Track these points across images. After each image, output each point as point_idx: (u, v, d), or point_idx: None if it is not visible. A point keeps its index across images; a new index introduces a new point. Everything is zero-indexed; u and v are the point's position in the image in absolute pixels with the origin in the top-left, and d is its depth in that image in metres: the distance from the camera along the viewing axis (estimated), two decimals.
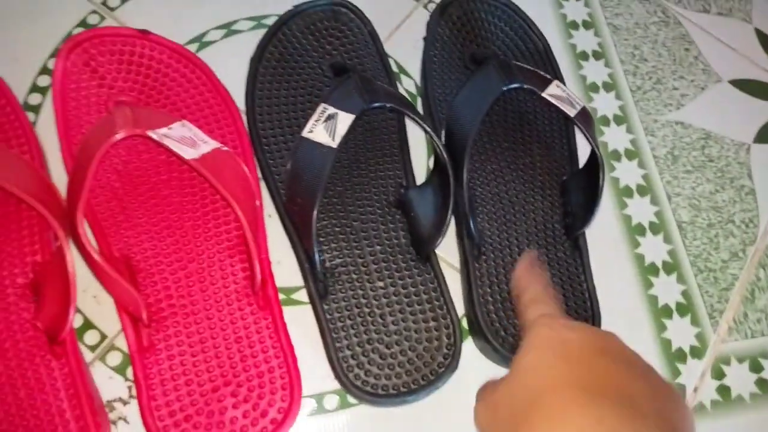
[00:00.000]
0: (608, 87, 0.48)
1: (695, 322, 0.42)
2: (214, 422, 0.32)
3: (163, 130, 0.33)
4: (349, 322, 0.35)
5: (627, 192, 0.45)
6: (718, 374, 0.41)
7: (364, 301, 0.36)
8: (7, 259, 0.34)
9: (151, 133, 0.33)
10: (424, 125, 0.36)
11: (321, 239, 0.37)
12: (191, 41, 0.44)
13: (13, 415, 0.31)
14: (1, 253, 0.34)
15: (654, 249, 0.43)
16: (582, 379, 0.22)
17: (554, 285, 0.31)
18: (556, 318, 0.26)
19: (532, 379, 0.23)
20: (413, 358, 0.35)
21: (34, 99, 0.41)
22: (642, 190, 0.45)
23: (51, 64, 0.41)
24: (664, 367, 0.40)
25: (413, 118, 0.37)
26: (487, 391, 0.26)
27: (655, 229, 0.44)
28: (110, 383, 0.34)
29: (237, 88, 0.41)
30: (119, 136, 0.32)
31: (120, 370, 0.34)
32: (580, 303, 0.38)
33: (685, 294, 0.42)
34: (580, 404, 0.21)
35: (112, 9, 0.44)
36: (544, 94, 0.39)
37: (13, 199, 0.35)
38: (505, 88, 0.38)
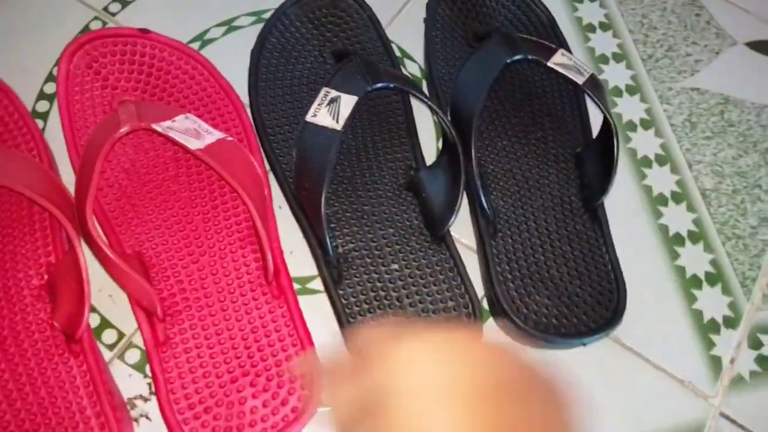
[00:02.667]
0: (618, 57, 0.47)
1: (727, 291, 0.40)
2: (234, 412, 0.31)
3: (167, 123, 0.33)
4: (365, 306, 0.35)
5: (645, 162, 0.43)
6: (756, 344, 0.39)
7: (379, 284, 0.35)
8: (21, 261, 0.34)
9: (155, 126, 0.33)
10: (430, 103, 0.36)
11: (332, 225, 0.36)
12: (193, 40, 0.44)
13: (34, 414, 0.30)
14: (15, 255, 0.34)
15: (678, 219, 0.41)
16: None
17: None
18: None
19: None
20: None
21: (42, 106, 0.41)
22: (661, 160, 0.43)
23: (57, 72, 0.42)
24: (697, 340, 0.38)
25: (418, 97, 0.36)
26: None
27: (677, 198, 0.42)
28: (130, 381, 0.34)
29: (241, 83, 0.40)
30: (124, 130, 0.32)
31: (139, 367, 0.34)
32: (603, 276, 0.37)
33: (714, 263, 0.41)
34: None
35: (113, 14, 0.44)
36: (550, 63, 0.38)
37: (25, 201, 0.35)
38: (509, 60, 0.38)
